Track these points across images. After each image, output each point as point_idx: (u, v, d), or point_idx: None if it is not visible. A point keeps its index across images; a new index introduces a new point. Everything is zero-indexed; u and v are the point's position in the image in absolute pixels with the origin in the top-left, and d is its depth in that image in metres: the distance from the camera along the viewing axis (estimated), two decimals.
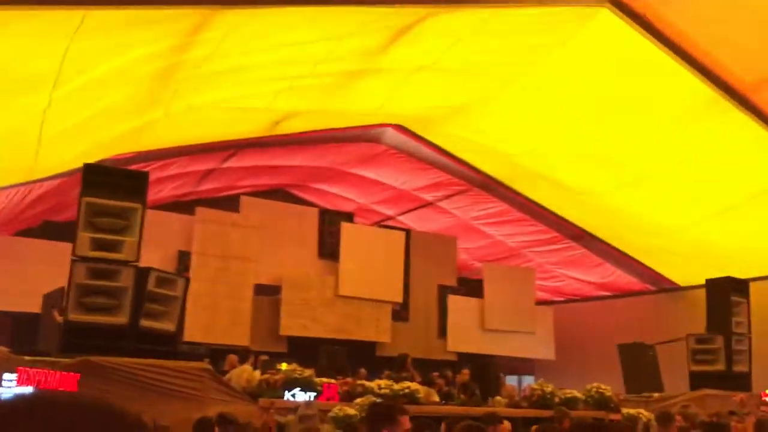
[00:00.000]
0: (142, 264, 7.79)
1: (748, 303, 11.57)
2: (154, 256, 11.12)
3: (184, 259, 12.49)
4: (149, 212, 11.75)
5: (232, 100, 9.59)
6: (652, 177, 11.66)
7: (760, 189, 11.05)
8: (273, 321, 13.20)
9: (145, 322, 7.48)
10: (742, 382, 11.17)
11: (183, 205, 13.51)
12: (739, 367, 11.24)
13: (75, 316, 7.15)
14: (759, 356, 11.60)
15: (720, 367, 11.09)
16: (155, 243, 11.53)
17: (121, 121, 9.30)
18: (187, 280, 8.42)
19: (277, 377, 8.33)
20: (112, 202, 7.57)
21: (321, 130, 12.14)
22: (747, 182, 11.07)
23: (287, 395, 8.16)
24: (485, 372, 11.77)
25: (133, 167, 9.86)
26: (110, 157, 10.22)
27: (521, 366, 16.42)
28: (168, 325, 7.82)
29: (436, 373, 11.84)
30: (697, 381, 11.05)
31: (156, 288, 7.65)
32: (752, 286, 11.82)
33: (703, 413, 8.81)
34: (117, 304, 7.40)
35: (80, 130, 8.84)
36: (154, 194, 12.95)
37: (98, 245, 7.45)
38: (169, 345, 7.91)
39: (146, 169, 9.23)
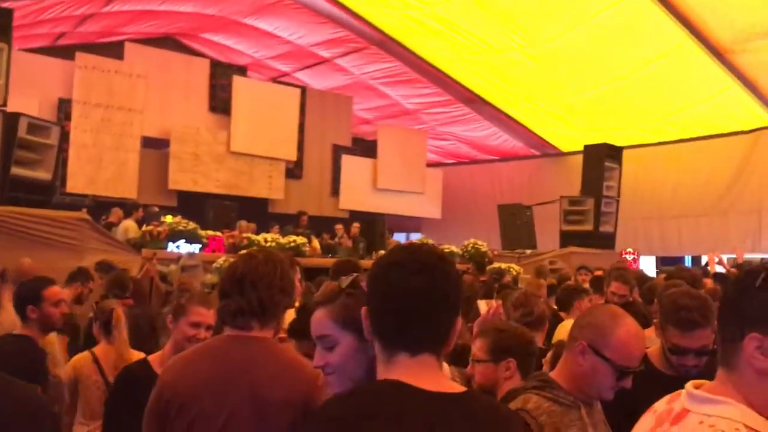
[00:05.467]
0: (18, 110, 7.38)
1: (620, 169, 12.34)
2: (32, 102, 10.54)
3: (64, 107, 11.86)
4: (24, 55, 11.11)
5: None
6: (545, 44, 11.87)
7: (641, 63, 11.50)
8: (162, 175, 12.96)
9: (16, 170, 7.18)
10: (607, 241, 12.13)
11: (61, 50, 12.62)
12: (606, 228, 12.15)
13: None
14: (624, 219, 12.57)
15: (588, 227, 11.94)
16: (32, 89, 10.88)
17: None
18: (63, 128, 8.07)
19: (160, 229, 8.34)
20: None
21: None
22: (633, 58, 11.48)
23: (171, 247, 8.22)
24: (373, 228, 12.21)
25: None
26: None
27: (410, 224, 17.08)
28: (43, 174, 7.56)
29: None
30: (567, 239, 11.89)
31: (28, 135, 7.30)
32: (625, 153, 12.55)
33: (568, 267, 9.58)
34: None
35: None
36: (28, 38, 12.06)
37: None
38: (45, 194, 7.69)
39: (13, 7, 8.48)
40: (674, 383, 2.60)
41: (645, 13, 10.27)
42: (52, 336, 3.82)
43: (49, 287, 3.47)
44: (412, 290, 1.35)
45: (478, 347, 2.59)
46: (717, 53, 10.71)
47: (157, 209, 10.79)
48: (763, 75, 11.02)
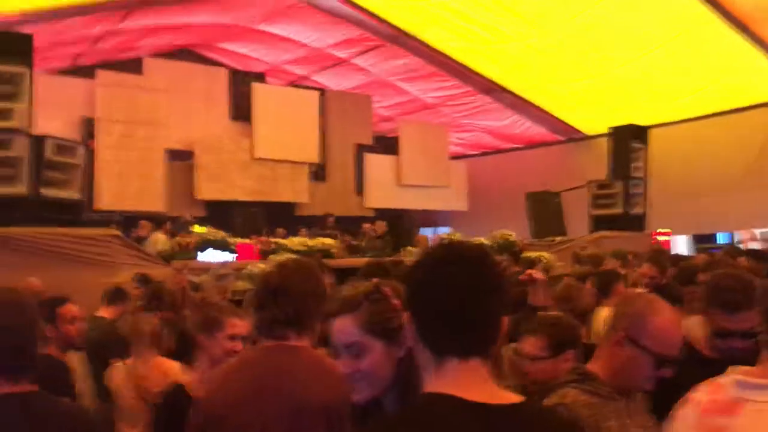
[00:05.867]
0: (44, 132, 7.50)
1: (647, 149, 12.14)
2: (56, 124, 10.68)
3: (88, 125, 12.02)
4: (46, 78, 11.28)
5: None
6: (561, 27, 11.73)
7: (662, 39, 11.30)
8: (188, 186, 13.08)
9: (46, 191, 7.29)
10: (637, 223, 11.96)
11: (81, 70, 12.78)
12: (636, 210, 11.97)
13: None
14: (654, 199, 12.36)
15: (618, 210, 11.77)
16: (56, 110, 11.05)
17: None
18: (88, 146, 8.17)
19: (189, 239, 8.40)
20: None
21: None
22: (651, 30, 11.29)
23: (201, 256, 8.28)
24: (399, 225, 12.18)
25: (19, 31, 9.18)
26: None
27: (437, 218, 17.01)
28: (72, 193, 7.66)
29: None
30: (597, 224, 11.75)
31: (54, 156, 7.40)
32: (651, 132, 12.35)
33: (600, 252, 9.45)
34: (14, 174, 7.14)
35: None
36: (48, 59, 12.23)
37: None
38: (75, 213, 7.79)
39: (32, 31, 8.60)
40: (720, 367, 2.55)
41: None
42: (72, 355, 3.84)
43: (63, 305, 3.50)
44: (461, 289, 1.28)
45: (534, 345, 2.56)
46: (739, 24, 10.48)
47: (190, 218, 10.87)
48: None
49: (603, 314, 3.58)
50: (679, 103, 13.09)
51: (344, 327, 1.56)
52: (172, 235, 9.38)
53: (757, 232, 8.52)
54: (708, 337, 2.58)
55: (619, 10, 10.93)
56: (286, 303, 2.06)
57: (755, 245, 8.04)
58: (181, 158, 13.20)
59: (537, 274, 3.50)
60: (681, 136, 13.36)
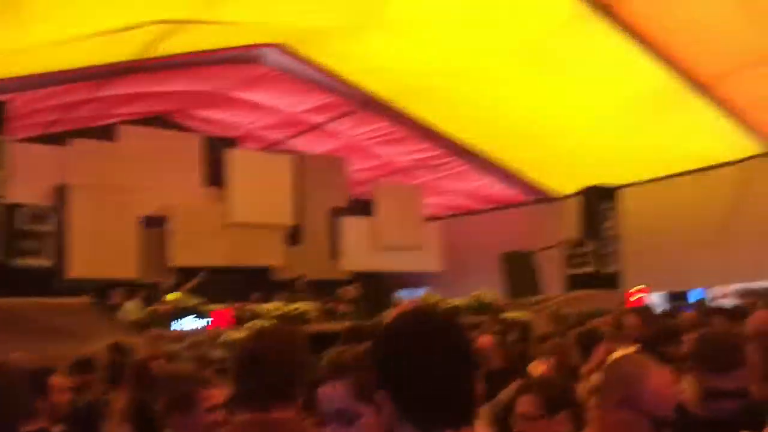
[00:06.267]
0: (17, 200, 7.44)
1: (616, 208, 12.38)
2: (29, 191, 10.58)
3: (61, 193, 11.94)
4: (19, 146, 11.23)
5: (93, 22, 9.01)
6: (531, 90, 12.05)
7: (624, 102, 11.67)
8: (162, 252, 12.96)
9: (17, 260, 7.19)
10: (611, 281, 12.10)
11: (55, 137, 12.77)
12: (609, 268, 12.13)
13: None
14: (629, 256, 12.54)
15: (592, 269, 11.92)
16: (29, 178, 10.96)
17: None
18: (61, 214, 8.09)
19: (165, 307, 8.28)
20: None
21: (198, 52, 11.67)
22: (614, 95, 11.66)
23: (176, 325, 8.15)
24: (378, 288, 12.15)
25: None
26: None
27: (414, 280, 17.00)
28: (44, 261, 7.56)
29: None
30: (572, 283, 11.85)
31: (27, 224, 7.34)
32: (622, 192, 12.61)
33: (575, 311, 9.50)
34: None
35: None
36: (22, 127, 12.21)
37: None
38: (47, 281, 7.67)
39: (5, 99, 8.63)
40: (712, 427, 2.54)
41: (623, 54, 10.44)
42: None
43: (54, 375, 3.42)
44: (442, 363, 1.24)
45: (528, 404, 2.53)
46: (701, 87, 10.88)
47: (172, 284, 10.74)
48: (750, 105, 11.17)
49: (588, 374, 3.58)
50: (647, 164, 13.43)
51: (333, 393, 1.53)
52: (146, 302, 9.24)
53: (731, 288, 8.65)
54: (699, 397, 2.56)
55: (587, 75, 11.29)
56: (264, 373, 1.95)
57: (729, 301, 8.16)
58: (155, 225, 13.11)
59: (485, 338, 3.53)
60: (651, 195, 13.66)
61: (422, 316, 1.34)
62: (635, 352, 2.74)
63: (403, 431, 1.24)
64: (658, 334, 4.26)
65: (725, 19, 9.32)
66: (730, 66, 10.29)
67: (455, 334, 1.30)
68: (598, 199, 12.10)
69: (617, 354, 3.93)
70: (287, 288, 12.57)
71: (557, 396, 2.53)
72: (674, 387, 2.02)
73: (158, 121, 14.59)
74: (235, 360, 2.10)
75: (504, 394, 3.77)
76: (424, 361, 1.24)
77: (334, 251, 15.45)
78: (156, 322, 8.07)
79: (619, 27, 9.92)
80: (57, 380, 3.41)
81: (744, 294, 8.17)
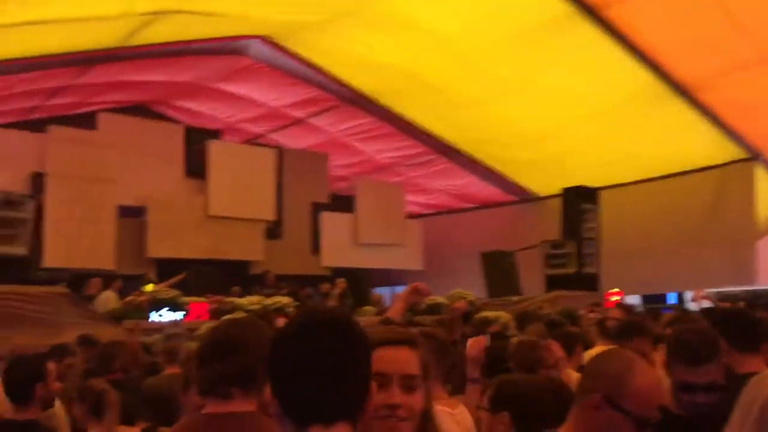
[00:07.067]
0: None
1: (597, 209, 12.44)
2: (5, 177, 10.43)
3: (38, 181, 11.73)
4: None
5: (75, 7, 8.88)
6: (515, 90, 12.07)
7: (607, 104, 11.73)
8: (140, 243, 12.80)
9: None
10: (591, 282, 12.16)
11: (33, 124, 12.56)
12: (589, 269, 12.19)
13: None
14: (606, 258, 12.61)
15: (571, 269, 11.97)
16: (5, 163, 10.81)
17: None
18: (38, 202, 7.96)
19: (142, 298, 8.18)
20: None
21: (181, 42, 11.54)
22: (598, 97, 11.71)
23: (153, 316, 8.05)
24: (357, 284, 12.11)
25: None
26: None
27: (393, 277, 16.98)
28: (19, 249, 7.43)
29: (307, 289, 12.06)
30: (551, 284, 11.89)
31: (2, 210, 7.19)
32: (602, 193, 12.68)
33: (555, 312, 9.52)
34: None
35: None
36: (1, 113, 12.02)
37: None
38: (23, 270, 7.53)
39: None
40: (687, 424, 2.54)
41: (607, 55, 10.49)
42: (58, 407, 3.70)
43: (48, 362, 3.40)
44: (311, 356, 1.28)
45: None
46: (682, 90, 10.97)
47: (151, 276, 10.62)
48: (731, 110, 11.28)
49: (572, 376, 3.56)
50: (627, 166, 13.52)
51: (408, 357, 1.50)
52: (122, 293, 9.13)
53: (707, 291, 8.73)
54: (672, 392, 2.58)
55: (569, 77, 11.33)
56: (232, 359, 1.92)
57: (705, 304, 8.21)
58: (132, 215, 12.94)
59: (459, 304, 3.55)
60: (630, 197, 13.76)
61: (305, 316, 1.38)
62: (617, 348, 2.72)
63: (285, 428, 1.30)
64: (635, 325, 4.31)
65: (709, 23, 9.39)
66: (713, 70, 10.38)
67: (331, 331, 1.31)
68: (579, 200, 12.15)
69: (597, 350, 3.93)
70: (259, 282, 12.52)
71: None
72: (661, 387, 1.96)
73: (139, 110, 14.41)
74: (201, 344, 2.07)
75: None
76: (293, 356, 1.29)
77: (315, 247, 15.37)
78: (133, 314, 7.97)
79: (604, 28, 9.98)
80: (51, 366, 3.39)
81: (722, 299, 8.24)
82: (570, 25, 9.97)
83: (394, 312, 3.07)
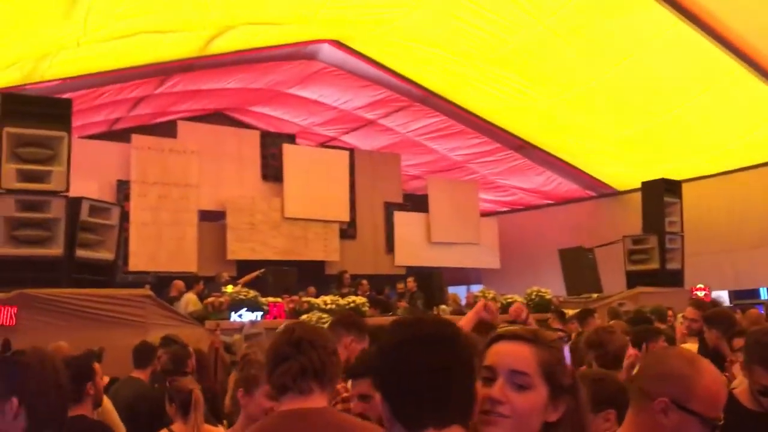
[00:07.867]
0: (80, 195, 7.64)
1: (681, 203, 11.96)
2: (92, 187, 10.89)
3: (123, 188, 12.25)
4: (83, 142, 11.59)
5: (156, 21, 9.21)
6: (589, 84, 11.76)
7: (693, 94, 11.25)
8: (220, 246, 13.16)
9: (81, 252, 7.37)
10: (674, 278, 11.68)
11: (117, 134, 13.14)
12: (672, 265, 11.72)
13: (6, 250, 7.00)
14: (690, 254, 12.10)
15: (654, 265, 11.54)
16: (92, 173, 11.28)
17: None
18: (123, 208, 8.28)
19: (222, 299, 8.39)
20: (35, 132, 7.31)
21: (254, 49, 11.82)
22: (680, 88, 11.26)
23: (233, 316, 8.24)
24: (429, 283, 12.05)
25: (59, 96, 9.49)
26: (31, 85, 9.81)
27: (469, 275, 16.85)
28: (106, 254, 7.74)
29: (386, 288, 12.08)
30: (633, 280, 11.50)
31: (90, 217, 7.51)
32: (684, 186, 12.18)
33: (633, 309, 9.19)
34: (50, 236, 7.26)
35: None
36: (85, 124, 12.60)
37: (25, 177, 7.25)
38: (109, 274, 7.85)
39: (71, 96, 8.89)
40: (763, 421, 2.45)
41: (691, 44, 10.06)
42: (107, 403, 3.82)
43: (95, 361, 3.52)
44: (423, 370, 1.34)
45: None
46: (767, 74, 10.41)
47: (227, 277, 10.89)
48: None
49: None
50: (711, 157, 12.95)
51: (521, 352, 1.45)
52: (202, 295, 9.38)
53: None
54: (751, 392, 2.55)
55: (647, 66, 10.93)
56: (312, 353, 2.02)
57: None
58: (212, 219, 13.33)
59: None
60: (715, 189, 13.17)
61: (412, 326, 1.41)
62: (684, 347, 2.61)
63: (394, 430, 1.35)
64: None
65: None
66: None
67: (438, 343, 1.36)
68: (661, 193, 11.68)
69: (659, 348, 3.76)
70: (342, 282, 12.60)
71: (605, 393, 2.36)
72: (726, 386, 1.86)
73: (216, 117, 14.84)
74: (279, 343, 2.10)
75: None
76: (406, 367, 1.34)
77: (389, 246, 15.42)
78: (213, 315, 8.18)
79: (681, 14, 9.57)
80: (97, 365, 3.50)
81: None
82: (645, 11, 9.63)
83: (465, 321, 3.05)
